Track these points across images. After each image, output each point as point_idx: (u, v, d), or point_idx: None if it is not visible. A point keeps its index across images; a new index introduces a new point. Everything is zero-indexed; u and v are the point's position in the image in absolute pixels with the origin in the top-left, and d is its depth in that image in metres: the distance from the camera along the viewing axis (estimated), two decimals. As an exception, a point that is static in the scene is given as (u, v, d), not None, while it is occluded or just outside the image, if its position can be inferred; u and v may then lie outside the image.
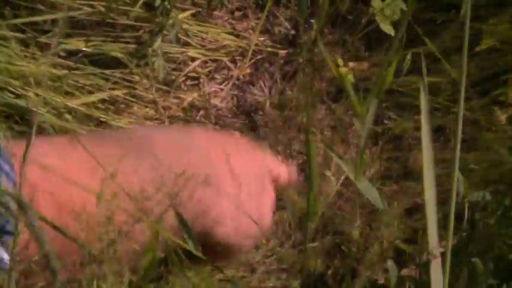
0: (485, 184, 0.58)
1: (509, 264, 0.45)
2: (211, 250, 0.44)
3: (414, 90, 0.74)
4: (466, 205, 0.51)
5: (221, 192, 0.43)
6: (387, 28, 0.74)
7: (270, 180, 0.49)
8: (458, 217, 0.52)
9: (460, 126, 0.37)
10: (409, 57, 0.71)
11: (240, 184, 0.45)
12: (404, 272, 0.44)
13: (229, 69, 0.78)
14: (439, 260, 0.35)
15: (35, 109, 0.72)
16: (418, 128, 0.74)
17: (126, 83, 0.76)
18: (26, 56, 0.75)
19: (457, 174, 0.35)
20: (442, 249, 0.36)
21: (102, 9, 0.76)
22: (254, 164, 0.48)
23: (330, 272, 0.68)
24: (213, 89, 0.78)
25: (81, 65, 0.75)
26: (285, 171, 0.53)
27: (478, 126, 0.65)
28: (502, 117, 0.52)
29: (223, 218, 0.44)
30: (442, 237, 0.41)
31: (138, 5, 0.76)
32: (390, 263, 0.46)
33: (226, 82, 0.78)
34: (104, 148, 0.39)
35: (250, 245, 0.48)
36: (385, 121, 0.77)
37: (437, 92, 0.74)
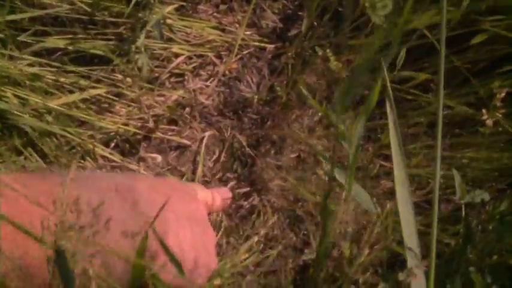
0: (483, 182, 0.56)
1: (509, 269, 0.43)
2: None
3: (410, 87, 0.72)
4: (463, 206, 0.49)
5: (168, 237, 0.45)
6: (379, 20, 0.72)
7: (207, 218, 0.53)
8: (456, 219, 0.49)
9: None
10: (402, 53, 0.69)
11: (185, 227, 0.47)
12: (402, 276, 0.42)
13: (214, 65, 0.75)
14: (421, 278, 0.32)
15: (13, 110, 0.70)
16: (415, 124, 0.71)
17: (108, 81, 0.73)
18: (3, 55, 0.73)
19: (438, 173, 0.32)
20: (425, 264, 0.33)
21: (83, 5, 0.73)
22: (193, 206, 0.51)
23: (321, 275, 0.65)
24: (198, 85, 0.75)
25: (61, 64, 0.73)
26: (217, 197, 0.57)
27: (473, 121, 0.62)
28: (490, 121, 0.50)
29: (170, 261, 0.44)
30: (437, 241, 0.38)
31: (121, 1, 0.73)
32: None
33: (212, 78, 0.75)
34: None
35: (202, 280, 0.51)
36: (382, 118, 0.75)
37: (430, 87, 0.72)
